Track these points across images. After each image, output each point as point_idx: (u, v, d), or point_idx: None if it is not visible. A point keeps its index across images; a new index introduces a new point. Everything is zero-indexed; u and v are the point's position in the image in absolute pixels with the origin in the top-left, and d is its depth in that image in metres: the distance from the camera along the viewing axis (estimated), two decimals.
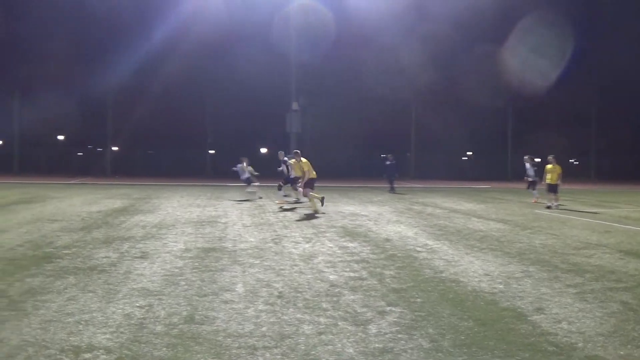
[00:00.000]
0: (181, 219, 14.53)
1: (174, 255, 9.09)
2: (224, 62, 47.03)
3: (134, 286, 6.88)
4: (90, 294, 6.43)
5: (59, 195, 22.50)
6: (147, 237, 11.18)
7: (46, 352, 4.55)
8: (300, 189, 18.13)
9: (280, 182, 21.67)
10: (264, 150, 54.06)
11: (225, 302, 6.24)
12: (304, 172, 17.57)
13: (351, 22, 45.07)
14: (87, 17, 48.09)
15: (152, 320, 5.48)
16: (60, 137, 58.40)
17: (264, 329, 5.30)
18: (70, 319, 5.43)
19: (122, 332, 5.09)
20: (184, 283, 7.10)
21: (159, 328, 5.23)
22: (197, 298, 6.36)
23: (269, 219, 15.15)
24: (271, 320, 5.58)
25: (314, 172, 17.75)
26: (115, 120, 53.23)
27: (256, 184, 23.08)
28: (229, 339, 4.99)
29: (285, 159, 20.55)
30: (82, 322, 5.36)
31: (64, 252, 9.19)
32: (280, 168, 21.58)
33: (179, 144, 53.52)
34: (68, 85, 46.67)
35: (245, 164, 23.00)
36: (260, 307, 6.06)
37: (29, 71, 48.30)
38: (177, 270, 7.90)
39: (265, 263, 8.60)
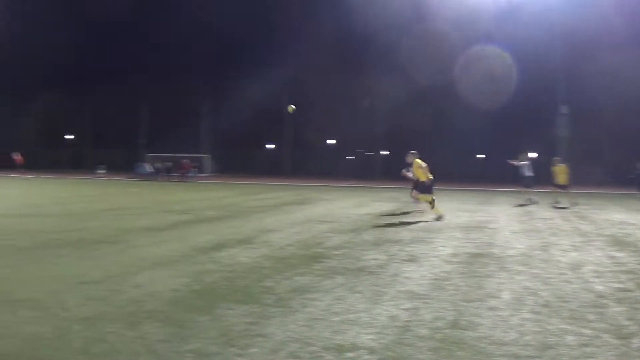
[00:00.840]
0: (450, 224, 14.70)
1: (442, 260, 9.23)
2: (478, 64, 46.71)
3: (401, 289, 7.10)
4: (358, 295, 6.77)
5: (329, 198, 24.09)
6: (416, 240, 11.49)
7: (309, 349, 4.88)
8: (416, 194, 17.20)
9: None
10: (533, 155, 52.57)
11: (491, 308, 6.23)
12: (421, 175, 16.50)
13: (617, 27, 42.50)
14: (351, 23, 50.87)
15: (417, 323, 5.62)
16: (331, 142, 62.25)
17: (527, 337, 5.24)
18: (335, 318, 5.78)
19: (386, 334, 5.28)
20: (450, 288, 7.18)
21: (423, 331, 5.35)
22: (463, 303, 6.40)
23: (537, 225, 14.86)
24: (535, 329, 5.51)
25: (428, 175, 16.43)
26: (388, 125, 55.26)
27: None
28: (492, 346, 4.98)
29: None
30: (347, 321, 5.67)
31: (333, 252, 9.80)
32: (407, 172, 19.54)
33: (448, 147, 53.75)
34: (339, 92, 49.64)
35: (526, 162, 22.64)
36: (525, 315, 6.00)
37: (302, 78, 52.33)
38: (444, 274, 8.01)
39: (533, 271, 8.44)
